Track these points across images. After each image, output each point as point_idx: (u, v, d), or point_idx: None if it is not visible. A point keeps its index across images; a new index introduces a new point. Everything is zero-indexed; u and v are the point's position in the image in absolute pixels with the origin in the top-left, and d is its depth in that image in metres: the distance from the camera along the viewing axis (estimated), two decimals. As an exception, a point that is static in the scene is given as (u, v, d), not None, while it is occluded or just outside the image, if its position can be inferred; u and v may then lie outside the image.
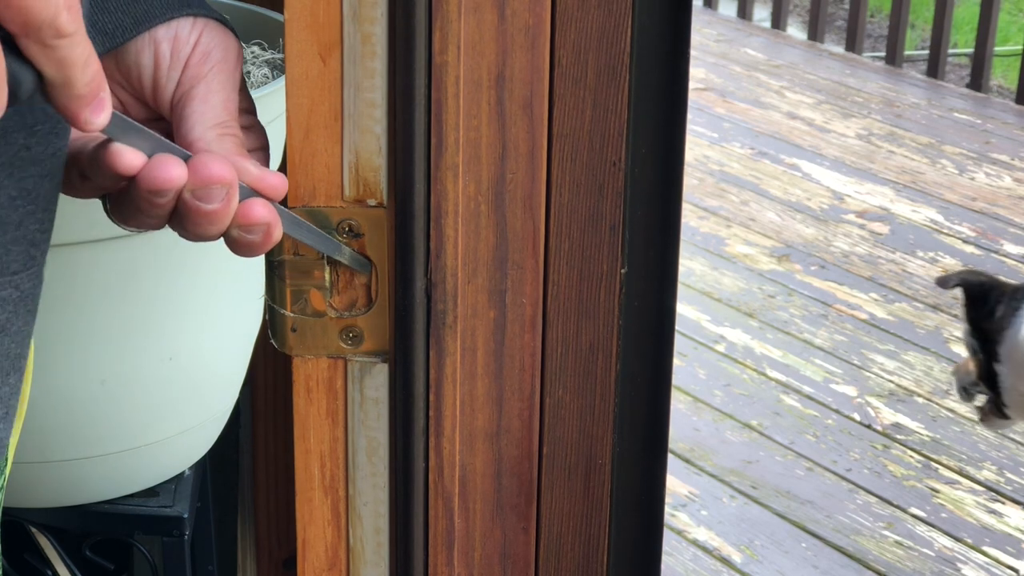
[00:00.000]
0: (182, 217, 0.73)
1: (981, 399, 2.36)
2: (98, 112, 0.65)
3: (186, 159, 0.72)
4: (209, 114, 0.75)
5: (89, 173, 0.73)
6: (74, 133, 0.75)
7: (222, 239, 0.76)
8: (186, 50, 0.76)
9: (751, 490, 2.83)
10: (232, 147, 0.75)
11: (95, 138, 0.72)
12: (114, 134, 0.69)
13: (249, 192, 0.75)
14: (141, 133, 0.71)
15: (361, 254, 0.85)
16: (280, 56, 1.44)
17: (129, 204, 0.73)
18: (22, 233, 0.69)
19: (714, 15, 6.22)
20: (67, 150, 0.72)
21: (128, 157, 0.70)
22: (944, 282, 2.32)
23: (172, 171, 0.70)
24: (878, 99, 5.16)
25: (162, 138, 0.73)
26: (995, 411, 2.30)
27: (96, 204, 1.21)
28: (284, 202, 0.83)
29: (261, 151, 0.79)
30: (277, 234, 0.76)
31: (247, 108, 0.79)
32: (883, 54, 5.66)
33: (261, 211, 0.74)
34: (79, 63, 0.62)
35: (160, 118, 0.77)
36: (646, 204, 0.86)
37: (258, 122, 0.80)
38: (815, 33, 5.85)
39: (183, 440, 1.44)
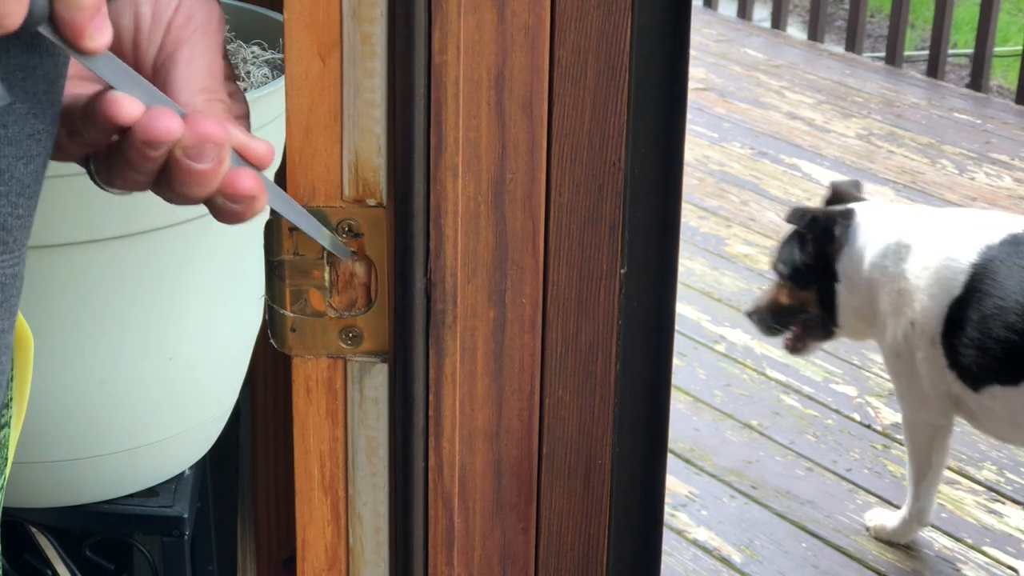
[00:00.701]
0: (170, 176, 0.72)
1: (788, 333, 2.68)
2: (101, 29, 0.65)
3: (182, 115, 0.71)
4: (195, 78, 0.74)
5: (81, 127, 0.71)
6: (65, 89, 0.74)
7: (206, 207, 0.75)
8: (167, 13, 0.75)
9: (751, 490, 2.83)
10: (219, 112, 0.74)
11: (88, 91, 0.72)
12: (112, 78, 0.69)
13: (238, 161, 0.74)
14: (137, 81, 0.70)
15: (360, 254, 0.85)
16: (280, 56, 1.44)
17: (119, 160, 0.71)
18: None
19: (714, 15, 6.22)
20: (53, 133, 0.71)
21: (128, 105, 0.69)
22: (799, 217, 2.59)
23: (170, 122, 0.69)
24: (878, 99, 5.16)
25: (157, 90, 0.72)
26: (816, 334, 2.64)
27: (96, 204, 1.21)
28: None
29: (244, 119, 0.78)
30: (261, 206, 0.75)
31: (229, 75, 0.78)
32: (883, 54, 5.66)
33: (248, 182, 0.73)
34: None
35: None
36: (646, 204, 0.86)
37: (239, 89, 0.79)
38: (815, 33, 5.85)
39: (183, 440, 1.44)
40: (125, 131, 0.70)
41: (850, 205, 2.62)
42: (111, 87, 0.69)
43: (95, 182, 0.75)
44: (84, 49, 0.65)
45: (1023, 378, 2.32)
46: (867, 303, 2.53)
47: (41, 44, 0.65)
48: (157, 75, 0.74)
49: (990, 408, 2.39)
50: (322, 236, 0.83)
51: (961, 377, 2.39)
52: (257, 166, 0.75)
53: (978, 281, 2.34)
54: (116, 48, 0.75)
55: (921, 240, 2.46)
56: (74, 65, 0.72)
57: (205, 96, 0.74)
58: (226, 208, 0.74)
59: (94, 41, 0.65)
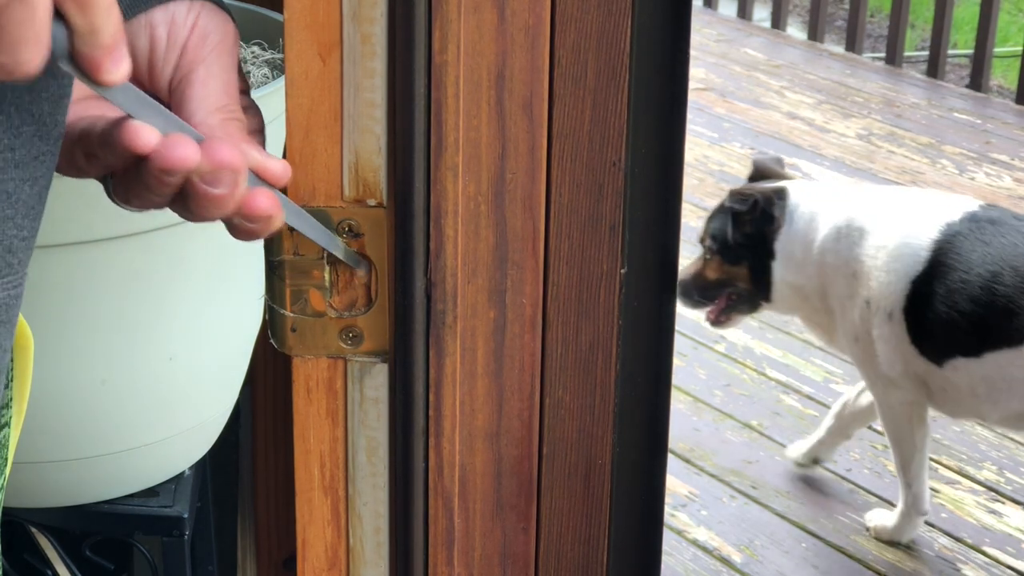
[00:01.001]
0: (187, 199, 0.72)
1: (711, 306, 2.74)
2: (118, 63, 0.65)
3: (198, 140, 0.71)
4: (211, 98, 0.74)
5: (98, 152, 0.72)
6: (81, 112, 0.74)
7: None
8: (183, 33, 0.75)
9: (751, 490, 2.83)
10: (236, 132, 0.74)
11: (105, 116, 0.72)
12: (129, 107, 0.69)
13: (255, 181, 0.74)
14: (155, 109, 0.70)
15: (360, 254, 0.85)
16: (280, 56, 1.44)
17: (136, 183, 0.72)
18: None
19: (714, 15, 6.22)
20: (56, 153, 0.71)
21: (145, 135, 0.69)
22: (741, 201, 2.64)
23: (187, 150, 0.70)
24: (878, 99, 5.16)
25: (175, 116, 0.72)
26: (743, 308, 2.71)
27: (96, 204, 1.21)
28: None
29: (259, 132, 0.78)
30: (277, 223, 0.76)
31: (243, 88, 0.78)
32: (883, 54, 5.66)
33: (265, 202, 0.74)
34: (103, 7, 0.63)
35: (156, 99, 0.77)
36: (646, 204, 0.86)
37: (254, 103, 0.79)
38: (815, 33, 5.85)
39: (183, 440, 1.44)
40: (143, 158, 0.70)
41: (781, 183, 2.68)
42: (129, 115, 0.70)
43: (111, 199, 0.75)
44: (103, 82, 0.65)
45: (985, 348, 2.39)
46: (814, 283, 2.58)
47: (49, 67, 0.65)
48: (173, 95, 0.75)
49: (952, 381, 2.45)
50: (337, 248, 0.84)
51: (924, 352, 2.45)
52: (273, 185, 0.75)
53: (942, 256, 2.42)
54: (132, 69, 0.75)
55: (875, 221, 2.51)
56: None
57: (221, 116, 0.74)
58: (243, 227, 0.75)
59: (112, 75, 0.65)
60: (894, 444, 2.60)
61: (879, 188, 2.92)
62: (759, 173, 2.78)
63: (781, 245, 2.60)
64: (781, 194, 2.62)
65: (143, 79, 0.76)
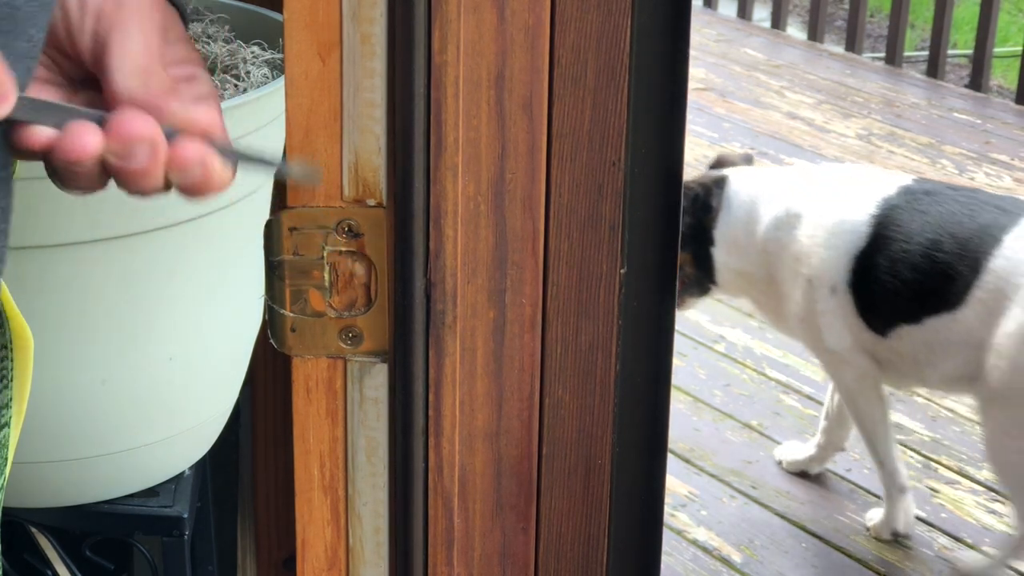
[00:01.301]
0: (115, 178, 0.72)
1: None
2: None
3: (105, 120, 0.70)
4: (128, 61, 0.73)
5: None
6: None
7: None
8: (95, 1, 0.74)
9: (751, 490, 2.83)
10: (157, 89, 0.73)
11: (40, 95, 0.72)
12: (23, 116, 0.69)
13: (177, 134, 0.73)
14: (50, 108, 0.70)
15: (360, 253, 0.85)
16: (280, 56, 1.44)
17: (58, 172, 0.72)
18: None
19: (714, 15, 6.22)
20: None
21: (34, 135, 0.69)
22: (684, 194, 2.66)
23: (85, 140, 0.69)
24: (878, 99, 5.16)
25: (74, 107, 0.72)
26: (693, 291, 2.76)
27: (95, 204, 1.21)
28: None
29: (209, 100, 0.76)
30: (217, 167, 0.74)
31: (186, 58, 0.76)
32: (883, 54, 5.66)
33: (192, 150, 0.72)
34: None
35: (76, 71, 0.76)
36: (646, 204, 0.86)
37: (202, 73, 0.77)
38: (815, 33, 5.85)
39: (183, 440, 1.44)
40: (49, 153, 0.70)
41: (723, 172, 2.75)
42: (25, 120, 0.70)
43: (54, 183, 0.75)
44: None
45: (925, 314, 2.45)
46: (761, 270, 2.64)
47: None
48: (96, 63, 0.74)
49: (897, 350, 2.51)
50: (289, 169, 0.82)
51: (871, 325, 2.51)
52: (208, 137, 0.74)
53: (882, 229, 2.48)
54: (50, 39, 0.75)
55: (810, 202, 2.57)
56: None
57: (140, 78, 0.73)
58: (185, 183, 0.73)
59: None
60: (857, 423, 2.65)
61: (815, 168, 2.97)
62: (718, 163, 2.85)
63: (720, 232, 2.66)
64: (720, 183, 2.68)
65: (64, 48, 0.75)
